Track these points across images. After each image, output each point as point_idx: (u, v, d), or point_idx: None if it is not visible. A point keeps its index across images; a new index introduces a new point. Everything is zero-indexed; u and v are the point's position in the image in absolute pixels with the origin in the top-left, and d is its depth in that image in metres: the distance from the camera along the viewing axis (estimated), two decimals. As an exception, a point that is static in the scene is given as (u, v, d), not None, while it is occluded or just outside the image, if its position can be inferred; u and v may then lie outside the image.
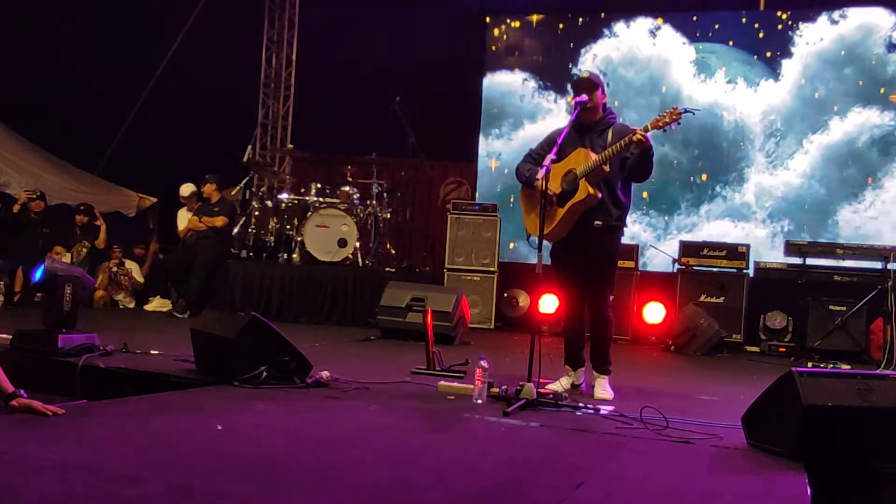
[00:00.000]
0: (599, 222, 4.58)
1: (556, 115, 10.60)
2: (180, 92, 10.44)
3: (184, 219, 9.41)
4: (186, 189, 9.50)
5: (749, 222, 9.85)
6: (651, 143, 4.38)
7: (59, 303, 4.71)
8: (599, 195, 4.51)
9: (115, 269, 9.60)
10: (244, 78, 11.82)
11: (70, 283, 4.75)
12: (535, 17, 10.70)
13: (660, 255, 9.58)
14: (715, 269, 8.65)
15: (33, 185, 9.62)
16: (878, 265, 7.86)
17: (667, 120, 4.33)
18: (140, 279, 9.78)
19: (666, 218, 10.20)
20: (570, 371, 4.84)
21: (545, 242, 4.39)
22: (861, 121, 9.57)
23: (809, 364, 7.16)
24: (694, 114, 4.38)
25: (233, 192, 9.73)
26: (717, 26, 10.21)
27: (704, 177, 10.15)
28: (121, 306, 9.56)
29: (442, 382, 4.54)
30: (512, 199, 9.94)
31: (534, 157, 4.77)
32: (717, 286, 8.52)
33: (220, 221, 8.88)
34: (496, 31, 10.81)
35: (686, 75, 10.30)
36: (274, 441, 3.10)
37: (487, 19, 10.83)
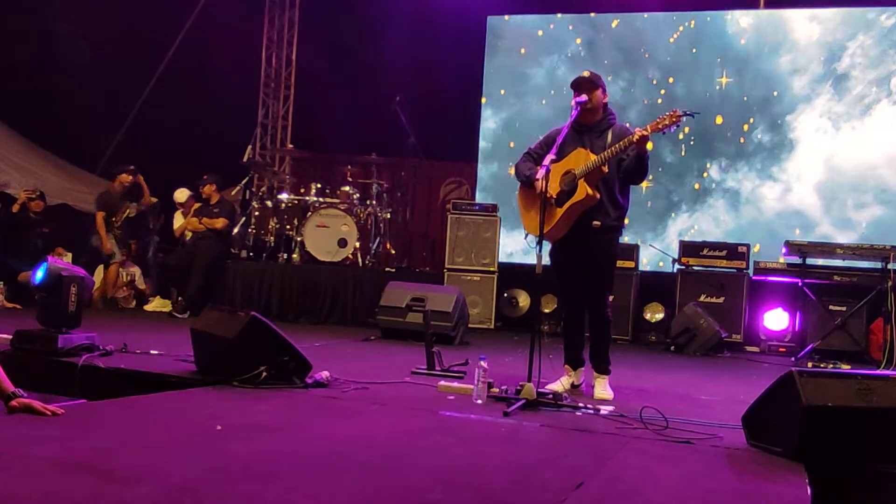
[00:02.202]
0: (598, 222, 4.58)
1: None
2: (180, 92, 10.44)
3: (179, 220, 9.40)
4: (182, 195, 9.46)
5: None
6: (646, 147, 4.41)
7: (64, 303, 4.71)
8: (598, 196, 4.52)
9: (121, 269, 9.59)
10: (244, 78, 11.82)
11: (75, 283, 4.75)
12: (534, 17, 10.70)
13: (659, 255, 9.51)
14: (715, 269, 8.64)
15: (33, 185, 9.61)
16: (878, 265, 7.85)
17: (666, 122, 4.34)
18: (142, 286, 9.69)
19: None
20: (570, 371, 4.84)
21: (545, 242, 4.39)
22: None
23: (809, 364, 7.17)
24: (694, 116, 4.37)
25: (233, 192, 9.73)
26: None
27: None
28: (120, 306, 9.55)
29: (442, 382, 4.54)
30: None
31: (532, 156, 4.78)
32: (717, 286, 8.52)
33: (220, 223, 8.88)
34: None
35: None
36: (273, 441, 3.09)
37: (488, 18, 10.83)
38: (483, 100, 10.66)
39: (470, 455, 3.07)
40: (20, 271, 8.61)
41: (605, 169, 4.49)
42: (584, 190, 4.48)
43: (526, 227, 4.74)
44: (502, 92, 10.61)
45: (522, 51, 10.64)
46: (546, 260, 4.59)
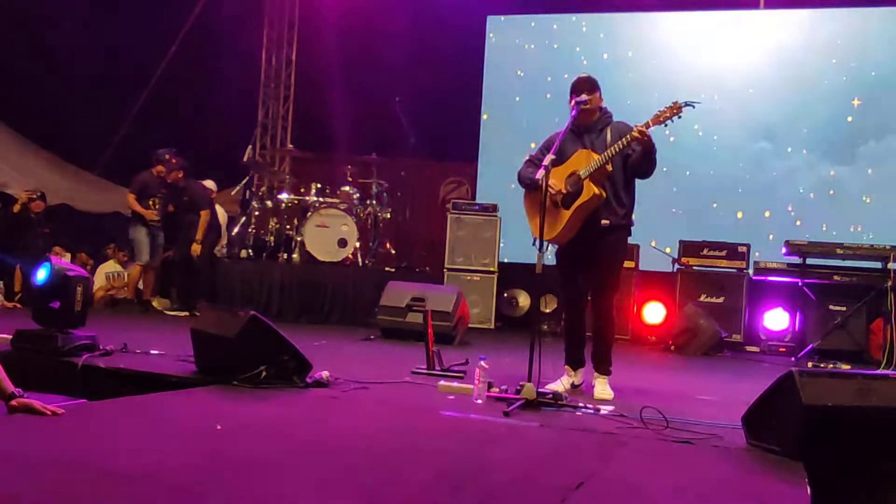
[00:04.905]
0: (606, 221, 4.59)
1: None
2: (180, 92, 10.44)
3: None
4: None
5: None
6: (652, 139, 4.39)
7: (70, 303, 4.70)
8: (604, 195, 4.52)
9: (113, 271, 9.58)
10: (244, 78, 11.83)
11: (81, 283, 4.75)
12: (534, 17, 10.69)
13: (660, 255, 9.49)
14: (715, 269, 8.63)
15: (33, 185, 9.61)
16: (877, 265, 7.85)
17: (667, 114, 4.33)
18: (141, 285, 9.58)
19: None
20: (571, 371, 4.84)
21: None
22: None
23: (809, 364, 7.16)
24: (694, 107, 4.35)
25: (233, 193, 9.72)
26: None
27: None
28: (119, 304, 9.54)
29: (442, 382, 4.54)
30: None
31: (534, 162, 4.76)
32: (716, 286, 8.51)
33: (204, 223, 8.65)
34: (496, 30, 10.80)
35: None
36: (273, 441, 3.09)
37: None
38: (483, 100, 10.66)
39: (470, 455, 3.07)
40: (21, 272, 8.62)
41: (610, 167, 4.50)
42: (590, 190, 4.47)
43: (534, 233, 4.66)
44: (502, 92, 10.60)
45: (522, 51, 10.63)
46: (549, 260, 4.59)
